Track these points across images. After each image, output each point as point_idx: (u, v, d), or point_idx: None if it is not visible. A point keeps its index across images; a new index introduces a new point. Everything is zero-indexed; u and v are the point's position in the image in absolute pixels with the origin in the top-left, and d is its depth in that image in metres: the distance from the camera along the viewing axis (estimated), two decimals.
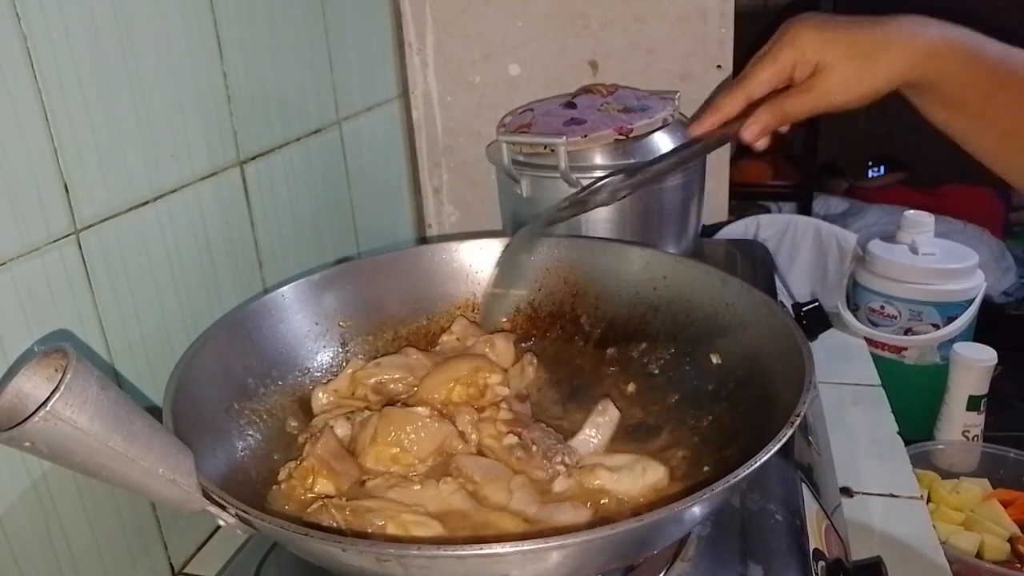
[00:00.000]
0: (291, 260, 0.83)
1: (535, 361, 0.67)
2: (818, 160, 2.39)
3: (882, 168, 2.73)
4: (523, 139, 0.84)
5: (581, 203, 0.63)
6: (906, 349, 1.24)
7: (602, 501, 0.52)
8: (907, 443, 0.86)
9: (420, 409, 0.57)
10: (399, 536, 0.47)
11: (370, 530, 0.48)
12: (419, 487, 0.52)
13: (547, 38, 1.05)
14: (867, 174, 2.74)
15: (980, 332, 1.26)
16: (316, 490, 0.53)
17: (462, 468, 0.54)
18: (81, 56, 0.56)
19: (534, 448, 0.56)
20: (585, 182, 0.81)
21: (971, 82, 0.50)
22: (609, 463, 0.55)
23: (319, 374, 0.66)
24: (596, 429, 0.58)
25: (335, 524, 0.48)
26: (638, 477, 0.53)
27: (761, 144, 0.57)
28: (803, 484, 0.61)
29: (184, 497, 0.44)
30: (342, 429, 0.59)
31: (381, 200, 1.05)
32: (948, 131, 0.54)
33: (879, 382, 0.96)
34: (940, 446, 1.14)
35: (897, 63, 0.51)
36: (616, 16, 1.02)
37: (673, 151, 0.60)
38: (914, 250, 1.25)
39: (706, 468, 0.55)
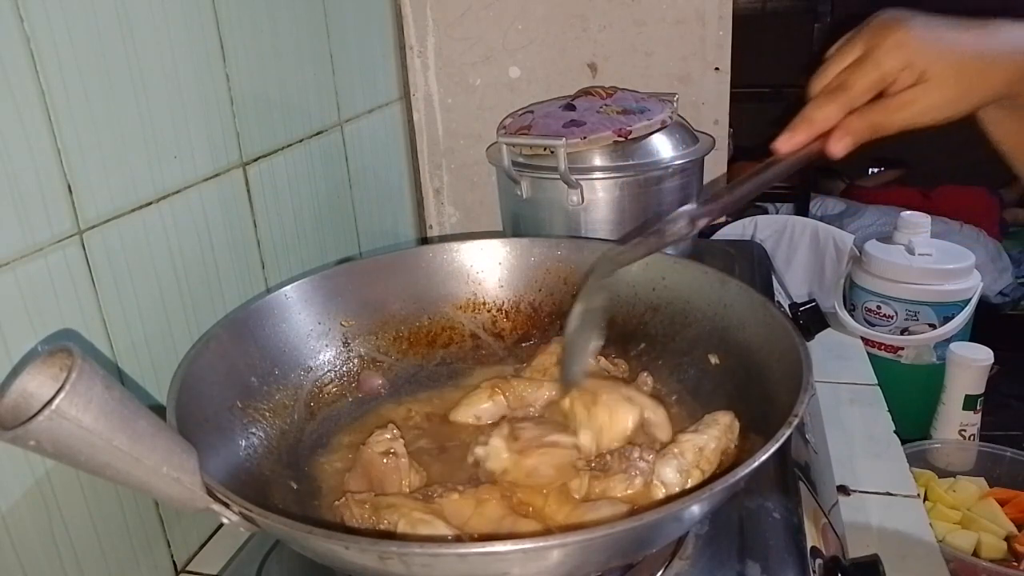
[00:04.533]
0: (293, 260, 0.83)
1: (650, 382, 0.63)
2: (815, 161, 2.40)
3: (881, 167, 2.74)
4: (523, 141, 0.84)
5: (658, 235, 0.55)
6: (903, 349, 1.25)
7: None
8: (904, 442, 0.86)
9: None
10: (407, 533, 0.47)
11: (383, 525, 0.48)
12: (457, 496, 0.51)
13: (547, 41, 1.05)
14: (867, 172, 2.74)
15: (976, 332, 1.26)
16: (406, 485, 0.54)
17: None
18: (84, 58, 0.56)
19: (608, 459, 0.54)
20: (584, 183, 0.82)
21: None
22: (685, 433, 0.54)
23: (321, 373, 0.67)
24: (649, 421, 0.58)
25: (355, 519, 0.49)
26: (712, 425, 0.54)
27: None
28: (800, 483, 0.61)
29: (188, 495, 0.44)
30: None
31: (382, 201, 1.05)
32: (1008, 141, 0.51)
33: (876, 381, 0.97)
34: (937, 445, 1.15)
35: (1000, 82, 0.47)
36: (615, 19, 1.02)
37: (751, 175, 0.53)
38: (910, 250, 1.25)
39: None
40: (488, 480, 0.55)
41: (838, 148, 0.50)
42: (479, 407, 0.63)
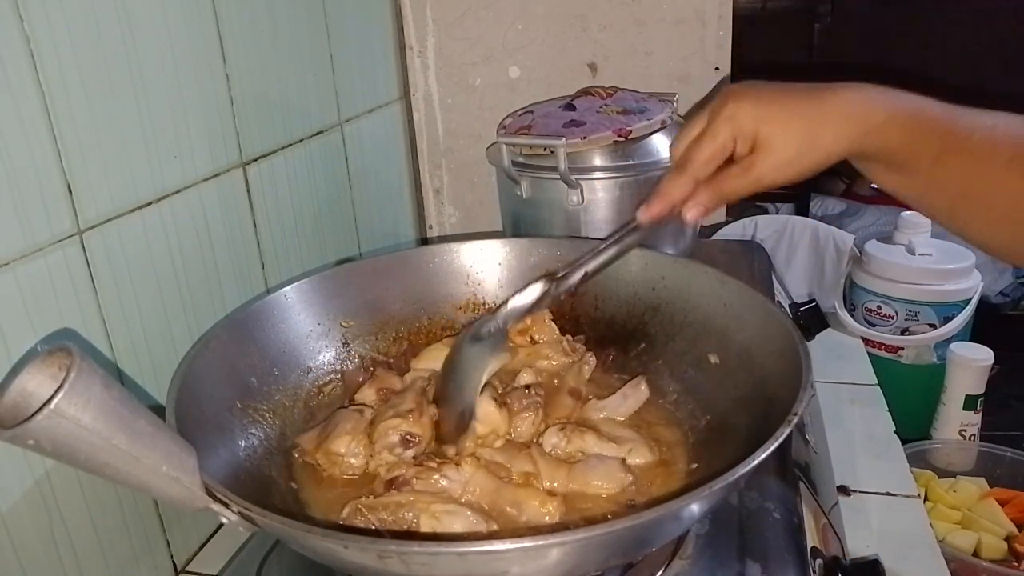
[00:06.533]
0: (293, 261, 0.83)
1: (592, 361, 0.68)
2: None
3: None
4: (523, 141, 0.84)
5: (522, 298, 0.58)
6: (903, 349, 1.25)
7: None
8: (904, 442, 0.86)
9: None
10: (433, 530, 0.48)
11: (405, 527, 0.49)
12: (438, 476, 0.53)
13: (547, 41, 1.05)
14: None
15: (977, 332, 1.27)
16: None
17: (480, 453, 0.56)
18: (84, 58, 0.56)
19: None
20: (584, 183, 0.82)
21: (916, 149, 0.49)
22: (610, 431, 0.58)
23: (321, 373, 0.67)
24: (625, 397, 0.63)
25: (372, 526, 0.49)
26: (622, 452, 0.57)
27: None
28: (801, 483, 0.61)
29: (187, 495, 0.44)
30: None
31: (382, 201, 1.05)
32: (900, 196, 0.53)
33: (876, 381, 0.97)
34: (937, 445, 1.15)
35: (837, 139, 0.50)
36: (615, 19, 1.02)
37: (612, 239, 0.56)
38: (911, 250, 1.25)
39: (705, 467, 0.55)
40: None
41: (691, 216, 0.54)
42: (437, 361, 0.65)
